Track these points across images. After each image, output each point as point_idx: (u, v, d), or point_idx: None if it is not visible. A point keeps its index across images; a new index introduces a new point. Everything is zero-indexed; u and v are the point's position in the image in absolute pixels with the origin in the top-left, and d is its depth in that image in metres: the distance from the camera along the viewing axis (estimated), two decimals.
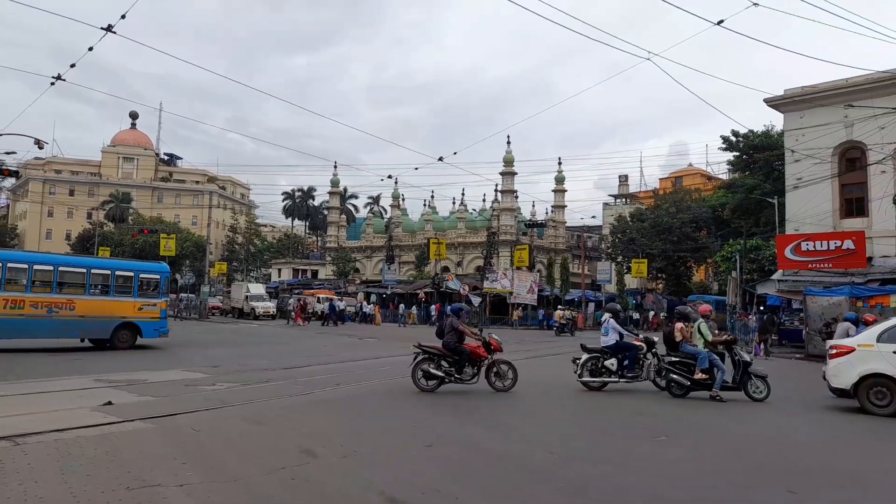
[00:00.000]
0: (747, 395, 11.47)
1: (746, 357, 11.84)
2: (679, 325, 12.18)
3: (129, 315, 19.14)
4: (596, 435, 8.59)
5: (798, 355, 23.05)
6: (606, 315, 13.11)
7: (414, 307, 45.95)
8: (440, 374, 11.66)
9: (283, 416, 9.14)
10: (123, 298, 19.10)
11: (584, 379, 12.50)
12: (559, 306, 41.24)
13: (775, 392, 11.56)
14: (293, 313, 39.01)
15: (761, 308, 30.79)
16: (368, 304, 47.10)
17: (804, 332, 24.37)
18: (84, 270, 18.90)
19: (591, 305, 46.69)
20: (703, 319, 12.18)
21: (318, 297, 45.54)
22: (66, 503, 4.91)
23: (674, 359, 11.95)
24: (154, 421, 8.28)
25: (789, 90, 31.87)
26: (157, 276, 20.42)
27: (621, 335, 12.65)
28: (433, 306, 44.45)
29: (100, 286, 18.98)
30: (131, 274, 19.73)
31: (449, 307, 13.33)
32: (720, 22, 14.84)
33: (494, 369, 11.94)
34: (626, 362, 12.47)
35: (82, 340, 19.22)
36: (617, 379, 12.45)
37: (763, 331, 24.65)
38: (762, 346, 23.92)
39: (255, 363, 16.09)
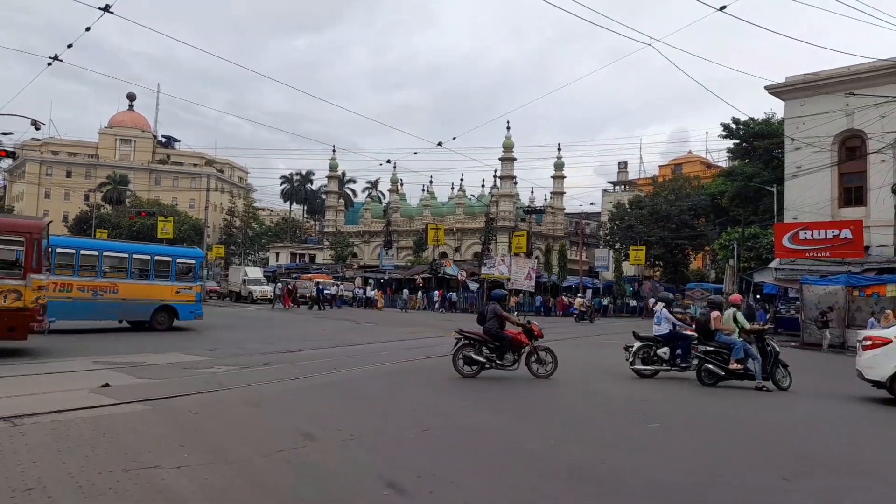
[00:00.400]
0: (775, 384, 11.51)
1: (777, 347, 11.88)
2: (715, 314, 12.14)
3: (168, 298, 19.93)
4: (599, 419, 8.62)
5: (793, 344, 23.16)
6: (660, 305, 13.10)
7: (419, 292, 46.04)
8: (481, 359, 11.69)
9: (281, 400, 9.16)
10: (162, 282, 19.91)
11: (636, 367, 12.56)
12: (579, 294, 41.24)
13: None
14: (281, 297, 39.18)
15: (757, 296, 30.89)
16: (372, 289, 47.15)
17: (800, 320, 24.47)
18: (126, 255, 19.73)
19: (589, 292, 46.79)
20: (735, 308, 12.17)
21: (317, 282, 45.66)
22: (63, 484, 4.91)
23: (709, 348, 11.89)
24: (152, 403, 8.29)
25: (790, 77, 31.74)
26: (193, 261, 21.52)
27: (674, 325, 12.62)
28: (435, 292, 44.55)
29: (140, 270, 19.72)
30: (169, 259, 20.49)
31: (491, 293, 13.35)
32: (722, 8, 14.73)
33: (535, 356, 11.99)
34: (678, 352, 12.46)
35: (120, 322, 19.77)
36: (668, 368, 12.45)
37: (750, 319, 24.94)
38: None
39: (254, 346, 16.12)
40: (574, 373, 12.72)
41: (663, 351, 12.52)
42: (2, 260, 13.03)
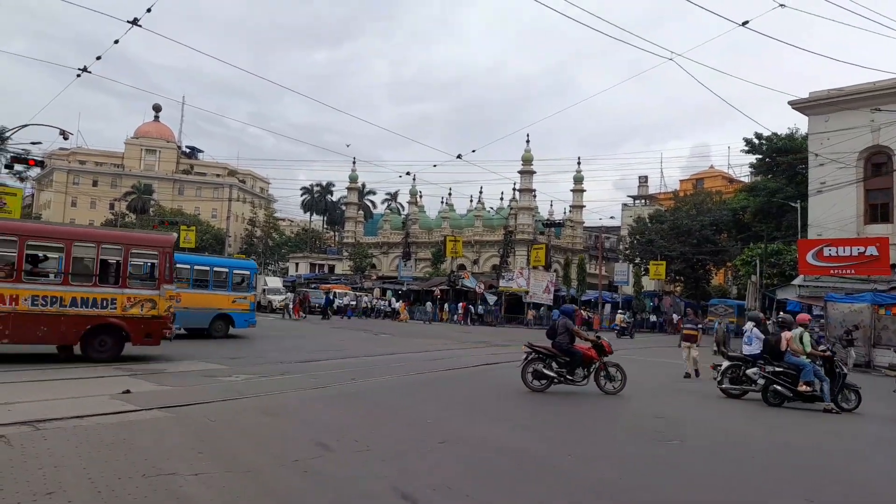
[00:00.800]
0: (837, 406, 11.33)
1: (845, 369, 11.72)
2: (787, 334, 11.89)
3: (225, 307, 20.79)
4: (620, 438, 8.52)
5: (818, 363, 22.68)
6: (750, 324, 12.92)
7: (446, 305, 45.78)
8: (551, 374, 11.68)
9: (298, 409, 9.20)
10: (220, 292, 20.79)
11: (724, 386, 12.42)
12: (619, 310, 40.59)
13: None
14: (291, 307, 39.50)
15: (780, 314, 30.43)
16: (396, 301, 47.04)
17: (825, 338, 24.03)
18: (188, 266, 20.56)
19: (608, 307, 46.45)
20: (803, 329, 11.92)
21: (335, 293, 45.95)
22: (84, 489, 4.97)
23: (777, 369, 11.68)
24: (171, 410, 8.37)
25: (814, 93, 31.41)
26: (248, 272, 22.44)
27: (765, 344, 12.42)
28: (459, 304, 44.46)
29: (200, 281, 20.58)
30: (226, 270, 21.52)
31: (561, 308, 13.37)
32: (745, 23, 14.64)
33: (604, 371, 11.95)
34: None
35: (179, 329, 20.07)
36: (758, 389, 12.13)
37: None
38: None
39: (273, 356, 16.21)
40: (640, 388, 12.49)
41: (753, 371, 12.19)
42: (139, 273, 14.01)
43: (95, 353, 12.87)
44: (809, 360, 11.47)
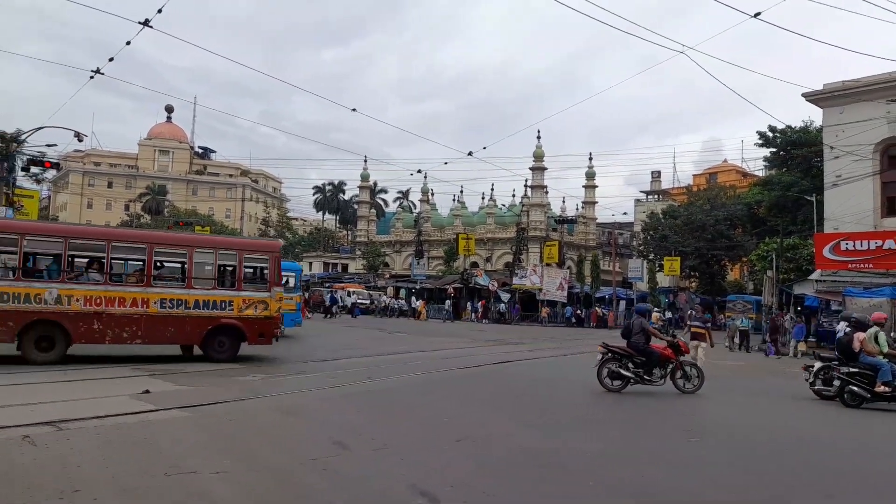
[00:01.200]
0: None
1: None
2: (861, 335, 11.66)
3: None
4: (637, 435, 8.48)
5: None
6: (842, 324, 12.74)
7: (469, 303, 45.75)
8: (628, 374, 11.69)
9: (315, 408, 9.27)
10: None
11: (816, 387, 12.31)
12: (655, 309, 40.07)
13: None
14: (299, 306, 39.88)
15: (798, 308, 30.16)
16: (416, 300, 47.11)
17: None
18: None
19: (622, 303, 46.24)
20: (878, 328, 11.72)
21: (349, 291, 46.20)
22: (108, 487, 5.05)
23: (852, 369, 11.48)
24: (190, 410, 8.46)
25: (828, 85, 31.06)
26: (294, 274, 23.42)
27: (838, 345, 12.24)
28: (479, 302, 44.49)
29: None
30: None
31: (636, 308, 13.41)
32: (757, 14, 14.51)
33: (680, 371, 11.94)
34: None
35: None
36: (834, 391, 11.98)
37: (773, 331, 25.19)
38: (773, 345, 24.64)
39: (288, 355, 16.30)
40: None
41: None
42: (252, 276, 14.80)
43: (215, 353, 13.75)
44: (887, 360, 11.20)
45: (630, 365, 11.72)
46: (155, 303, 13.07)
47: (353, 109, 24.35)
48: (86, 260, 13.53)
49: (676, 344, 11.99)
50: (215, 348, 13.74)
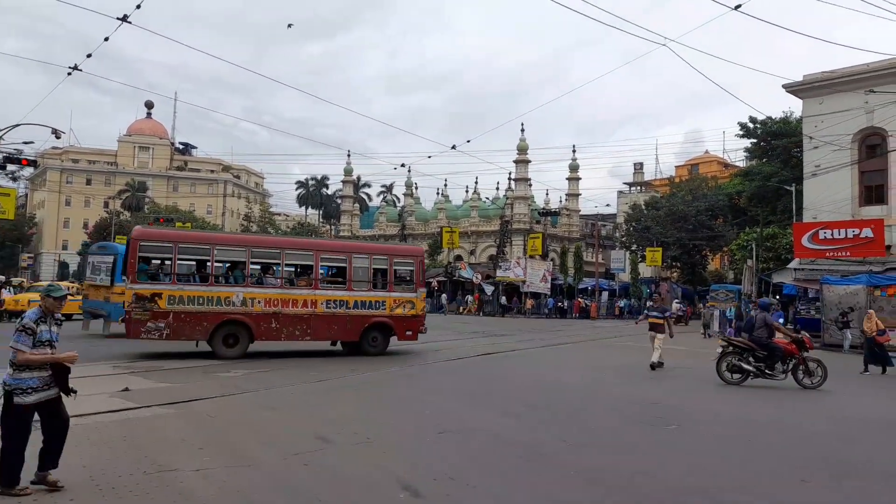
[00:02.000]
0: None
1: None
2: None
3: None
4: (615, 424, 8.55)
5: (815, 345, 22.81)
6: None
7: (469, 296, 45.77)
8: (750, 368, 11.77)
9: (297, 403, 9.22)
10: None
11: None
12: (676, 300, 39.82)
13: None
14: None
15: (776, 297, 30.52)
16: None
17: (821, 321, 24.14)
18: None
19: (605, 294, 46.50)
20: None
21: None
22: (85, 487, 4.99)
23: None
24: (171, 407, 8.38)
25: (808, 76, 31.36)
26: None
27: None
28: (471, 296, 44.61)
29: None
30: None
31: (759, 303, 13.46)
32: (738, 7, 14.57)
33: (803, 366, 11.91)
34: None
35: None
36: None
37: (739, 318, 25.76)
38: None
39: (268, 349, 16.20)
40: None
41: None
42: (400, 278, 16.06)
43: (370, 347, 15.33)
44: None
45: (751, 359, 11.84)
46: (322, 303, 14.69)
47: (334, 104, 24.21)
48: (258, 266, 14.95)
49: (801, 339, 12.02)
50: (369, 343, 15.27)
